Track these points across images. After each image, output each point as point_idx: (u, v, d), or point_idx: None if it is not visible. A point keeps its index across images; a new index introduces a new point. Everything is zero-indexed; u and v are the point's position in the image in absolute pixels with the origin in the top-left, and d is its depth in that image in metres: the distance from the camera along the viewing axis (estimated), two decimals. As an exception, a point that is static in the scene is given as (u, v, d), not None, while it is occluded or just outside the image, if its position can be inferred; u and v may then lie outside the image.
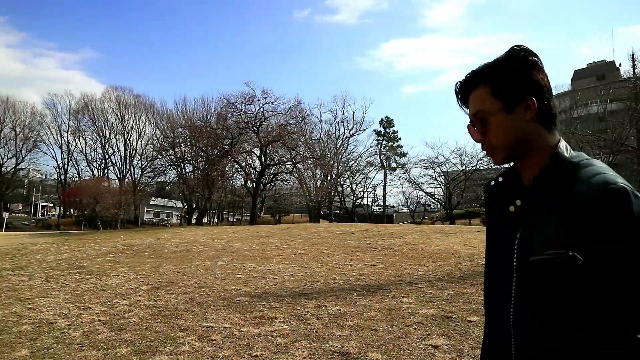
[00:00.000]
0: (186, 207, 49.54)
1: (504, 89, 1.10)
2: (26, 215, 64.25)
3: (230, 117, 43.35)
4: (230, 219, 67.15)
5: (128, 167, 57.75)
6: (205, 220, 50.50)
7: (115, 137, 58.04)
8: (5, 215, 45.60)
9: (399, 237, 15.05)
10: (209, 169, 42.78)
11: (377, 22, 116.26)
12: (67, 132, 58.97)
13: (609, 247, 0.91)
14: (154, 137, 53.52)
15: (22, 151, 57.18)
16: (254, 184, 45.36)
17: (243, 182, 49.36)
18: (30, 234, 31.71)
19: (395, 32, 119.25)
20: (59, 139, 59.20)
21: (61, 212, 60.05)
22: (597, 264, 0.92)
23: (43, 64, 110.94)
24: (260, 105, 42.89)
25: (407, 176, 50.15)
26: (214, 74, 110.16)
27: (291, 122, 43.53)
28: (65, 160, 60.07)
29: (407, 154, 55.33)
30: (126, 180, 56.93)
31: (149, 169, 55.18)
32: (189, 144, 44.69)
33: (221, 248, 13.76)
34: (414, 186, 50.54)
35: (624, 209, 0.93)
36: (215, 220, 61.00)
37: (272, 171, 45.69)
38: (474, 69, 1.16)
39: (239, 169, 47.12)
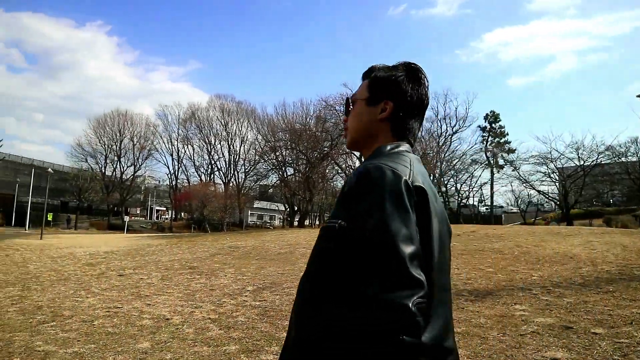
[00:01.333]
0: (288, 209, 51.21)
1: (375, 86, 1.27)
2: (143, 218, 70.54)
3: (329, 119, 44.11)
4: (331, 221, 67.98)
5: (232, 172, 61.13)
6: (306, 222, 51.84)
7: (220, 143, 61.74)
8: (126, 219, 50.56)
9: (509, 239, 14.28)
10: (309, 171, 43.88)
11: (478, 11, 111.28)
12: (177, 140, 63.78)
13: (348, 220, 1.00)
14: (256, 142, 56.14)
15: (139, 159, 62.93)
16: (354, 186, 45.58)
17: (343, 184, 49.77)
18: (147, 235, 34.76)
19: (499, 21, 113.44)
20: (170, 147, 64.25)
21: (173, 216, 65.21)
22: (341, 232, 1.00)
23: (154, 78, 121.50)
24: (358, 105, 43.13)
25: (517, 174, 47.30)
26: (312, 77, 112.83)
27: (390, 121, 43.23)
28: (176, 167, 65.09)
29: (515, 150, 52.27)
30: (231, 184, 60.26)
31: (252, 173, 57.97)
32: (289, 147, 46.18)
33: (322, 250, 13.96)
34: (524, 184, 47.56)
35: (364, 182, 1.02)
36: (317, 222, 62.34)
37: (371, 172, 45.52)
38: (382, 64, 1.31)
39: (339, 171, 47.73)
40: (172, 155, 64.46)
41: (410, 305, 0.88)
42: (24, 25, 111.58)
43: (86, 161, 60.18)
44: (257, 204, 65.17)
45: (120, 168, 62.16)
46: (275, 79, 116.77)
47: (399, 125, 1.24)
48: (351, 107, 1.33)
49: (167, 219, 70.14)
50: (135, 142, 62.05)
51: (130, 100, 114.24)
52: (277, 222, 66.71)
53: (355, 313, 0.91)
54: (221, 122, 61.10)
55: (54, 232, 42.59)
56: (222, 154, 61.85)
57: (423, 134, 52.50)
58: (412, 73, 1.27)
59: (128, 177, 62.91)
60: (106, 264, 13.15)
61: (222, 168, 62.20)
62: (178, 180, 65.42)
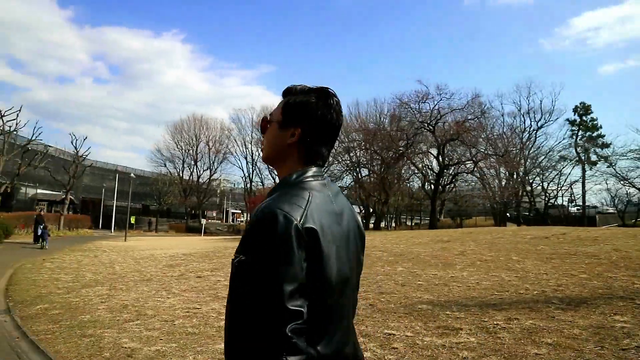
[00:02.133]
0: (363, 211, 51.09)
1: (287, 111, 1.36)
2: (219, 221, 73.28)
3: (404, 117, 43.55)
4: (409, 223, 67.29)
5: (306, 174, 62.12)
6: (382, 224, 51.50)
7: (293, 145, 63.00)
8: (203, 221, 52.96)
9: (605, 242, 13.35)
10: (384, 172, 43.55)
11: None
12: (251, 144, 65.75)
13: (246, 256, 1.17)
14: (329, 143, 56.58)
15: (215, 163, 65.59)
16: (432, 186, 44.73)
17: (420, 185, 49.06)
18: (223, 238, 36.13)
19: (588, 2, 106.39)
20: (244, 150, 66.29)
21: (248, 218, 67.30)
22: (240, 266, 1.18)
23: (228, 83, 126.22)
24: (435, 102, 42.22)
25: (613, 170, 44.10)
26: (385, 74, 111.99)
27: (469, 117, 41.95)
28: (250, 170, 67.06)
29: (611, 144, 48.72)
30: (305, 186, 61.18)
31: (325, 175, 58.48)
32: (363, 147, 46.11)
33: (400, 253, 13.84)
34: (622, 182, 44.19)
35: (258, 227, 1.17)
36: (393, 224, 61.73)
37: (451, 172, 44.55)
38: (301, 85, 1.41)
39: (416, 171, 46.99)
40: (246, 158, 66.52)
41: (287, 331, 1.08)
42: (107, 38, 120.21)
43: (165, 166, 63.64)
44: (331, 206, 65.65)
45: (197, 172, 65.21)
46: (347, 78, 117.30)
47: (307, 150, 1.35)
48: (268, 125, 1.42)
49: (242, 221, 72.53)
50: (210, 146, 64.80)
51: (205, 106, 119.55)
52: (351, 225, 66.71)
53: (248, 344, 1.13)
54: (294, 124, 62.38)
55: (137, 234, 45.38)
56: (296, 156, 63.08)
57: (505, 130, 50.57)
58: (322, 99, 1.36)
59: (204, 180, 65.74)
60: (185, 265, 13.80)
61: (297, 170, 63.36)
62: (252, 183, 67.35)
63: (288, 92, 1.41)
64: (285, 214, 1.16)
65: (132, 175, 44.26)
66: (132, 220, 44.86)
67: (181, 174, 64.52)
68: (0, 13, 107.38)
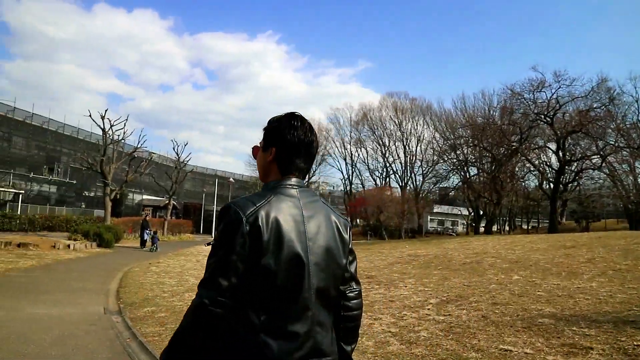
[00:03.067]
0: (472, 214, 49.45)
1: (265, 137, 1.86)
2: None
3: (517, 109, 41.45)
4: (524, 226, 63.93)
5: (409, 174, 61.15)
6: (494, 228, 49.39)
7: (394, 144, 62.29)
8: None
9: None
10: (495, 170, 41.75)
11: None
12: (350, 144, 66.17)
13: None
14: (434, 141, 55.40)
15: (314, 165, 66.90)
16: (552, 185, 42.13)
17: (538, 183, 46.43)
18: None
19: None
20: (343, 151, 66.87)
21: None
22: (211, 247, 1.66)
23: (324, 82, 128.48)
24: (553, 91, 39.76)
25: None
26: (493, 65, 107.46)
27: (595, 106, 38.97)
28: (350, 171, 67.47)
29: None
30: (408, 187, 60.35)
31: (430, 175, 57.25)
32: (471, 144, 44.58)
33: (516, 260, 13.18)
34: None
35: (220, 217, 1.66)
36: (506, 228, 58.98)
37: (573, 168, 41.72)
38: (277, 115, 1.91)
39: (532, 168, 44.54)
40: (345, 159, 67.09)
41: (204, 299, 1.55)
42: (205, 45, 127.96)
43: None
44: (437, 209, 64.20)
45: (297, 175, 66.95)
46: (451, 70, 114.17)
47: (283, 164, 1.81)
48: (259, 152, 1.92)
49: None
50: (309, 148, 66.27)
51: (302, 106, 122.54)
52: (460, 229, 64.84)
53: (192, 305, 1.60)
54: (395, 122, 61.65)
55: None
56: (397, 155, 62.30)
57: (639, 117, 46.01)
58: (287, 122, 1.83)
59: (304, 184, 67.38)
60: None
61: (398, 171, 62.67)
62: (352, 186, 67.76)
63: (268, 122, 1.89)
64: (236, 208, 1.63)
65: (231, 179, 46.39)
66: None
67: (281, 178, 66.68)
68: (108, 29, 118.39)
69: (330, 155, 67.48)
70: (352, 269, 1.88)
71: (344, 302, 1.83)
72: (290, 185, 1.77)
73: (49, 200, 45.07)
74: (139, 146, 36.55)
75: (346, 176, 67.94)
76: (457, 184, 52.85)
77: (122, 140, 35.13)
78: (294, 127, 1.81)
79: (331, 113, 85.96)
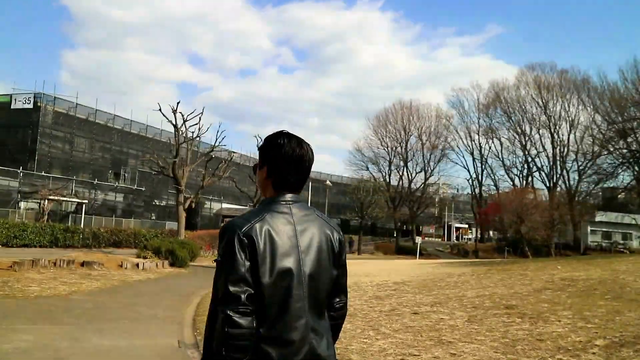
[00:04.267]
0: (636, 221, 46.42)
1: (259, 154, 2.46)
2: (439, 239, 73.65)
3: None
4: None
5: (559, 172, 58.48)
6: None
7: (538, 132, 59.92)
8: (418, 240, 53.37)
9: None
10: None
11: None
12: (478, 134, 64.62)
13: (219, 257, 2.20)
14: (593, 125, 52.61)
15: (430, 163, 65.92)
16: None
17: None
18: (445, 262, 36.05)
19: None
20: (469, 143, 65.49)
21: (478, 235, 65.98)
22: (217, 265, 2.21)
23: (442, 56, 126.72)
24: None
25: None
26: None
27: None
28: (479, 169, 65.77)
29: None
30: (558, 189, 57.81)
31: (589, 172, 54.41)
32: (647, 128, 41.90)
33: None
34: None
35: (221, 236, 2.22)
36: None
37: None
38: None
39: None
40: (472, 153, 65.64)
41: (228, 311, 2.04)
42: (292, 18, 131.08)
43: (367, 169, 66.43)
44: (600, 217, 60.70)
45: (408, 175, 66.62)
46: (616, 29, 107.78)
47: (276, 181, 2.36)
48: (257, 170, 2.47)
49: (470, 239, 71.67)
50: (424, 141, 65.58)
51: (415, 88, 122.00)
52: (635, 244, 60.84)
53: (211, 321, 2.20)
54: (538, 103, 59.37)
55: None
56: (542, 146, 59.90)
57: None
58: (274, 140, 2.40)
59: (418, 186, 66.69)
60: (397, 297, 14.07)
61: (544, 167, 60.28)
62: (482, 187, 66.03)
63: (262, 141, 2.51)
64: (234, 226, 2.20)
65: (327, 182, 46.99)
66: (330, 239, 47.63)
67: (388, 179, 66.50)
68: (179, 8, 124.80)
69: (453, 150, 66.36)
70: (343, 281, 2.49)
71: (329, 313, 2.41)
72: (284, 201, 2.34)
73: (114, 211, 48.26)
74: (216, 144, 37.94)
75: (474, 175, 66.34)
76: (628, 183, 49.85)
77: (197, 138, 36.76)
78: (281, 145, 2.38)
79: (452, 95, 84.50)
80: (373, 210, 60.86)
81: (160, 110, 33.78)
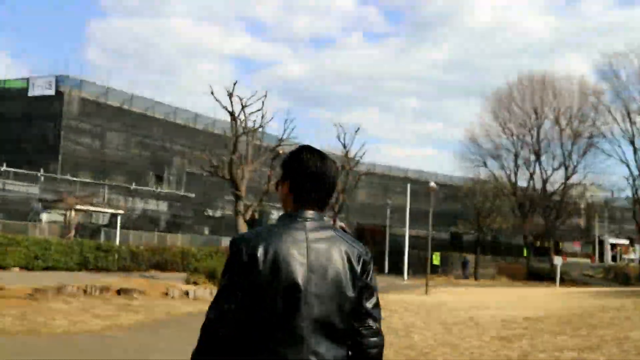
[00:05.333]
0: None
1: (281, 169, 2.95)
2: (588, 259, 71.29)
3: None
4: None
5: None
6: None
7: None
8: (557, 260, 51.34)
9: None
10: None
11: None
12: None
13: None
14: None
15: (573, 155, 63.85)
16: None
17: None
18: (597, 290, 35.04)
19: None
20: (628, 127, 62.71)
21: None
22: None
23: (586, 9, 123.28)
24: None
25: None
26: None
27: None
28: (642, 164, 63.05)
29: None
30: None
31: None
32: None
33: None
34: None
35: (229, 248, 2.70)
36: None
37: None
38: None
39: None
40: (632, 142, 62.96)
41: (210, 316, 2.59)
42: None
43: (484, 165, 65.09)
44: None
45: (542, 173, 64.83)
46: None
47: (297, 196, 2.82)
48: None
49: (632, 260, 69.28)
50: (563, 126, 63.69)
51: (549, 55, 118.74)
52: None
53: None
54: None
55: (444, 282, 47.32)
56: None
57: None
58: (296, 155, 2.88)
59: (556, 188, 64.78)
60: (529, 338, 13.80)
61: None
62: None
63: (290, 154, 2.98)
64: (238, 241, 2.68)
65: (431, 184, 46.12)
66: (436, 259, 47.05)
67: (514, 178, 65.05)
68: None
69: (604, 137, 63.84)
70: (369, 304, 2.77)
71: (358, 339, 2.71)
72: (302, 217, 2.77)
73: (157, 224, 49.25)
74: (284, 137, 38.31)
75: (635, 172, 63.53)
76: None
77: (260, 129, 37.03)
78: (303, 160, 2.84)
79: (602, 62, 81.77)
80: (494, 220, 59.16)
81: (212, 94, 34.00)
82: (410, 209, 49.71)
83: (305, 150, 2.92)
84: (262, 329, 2.56)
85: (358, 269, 2.72)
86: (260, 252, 2.60)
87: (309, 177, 2.83)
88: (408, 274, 48.83)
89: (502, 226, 60.85)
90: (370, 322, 2.76)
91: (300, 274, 2.60)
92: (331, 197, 2.96)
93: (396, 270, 51.54)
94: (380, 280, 27.47)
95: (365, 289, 2.76)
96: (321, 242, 2.71)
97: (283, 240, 2.65)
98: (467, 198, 60.35)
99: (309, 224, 2.75)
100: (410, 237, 51.68)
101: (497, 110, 64.92)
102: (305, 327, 2.56)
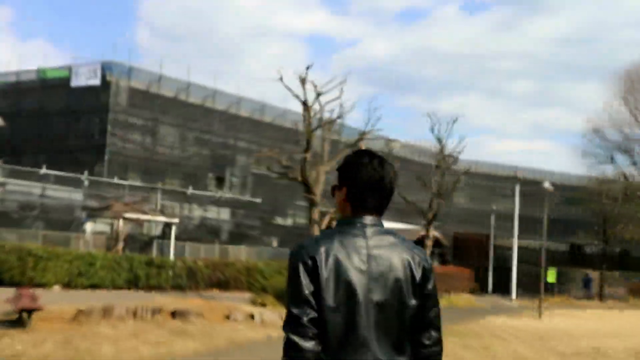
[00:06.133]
0: None
1: (338, 174, 3.36)
2: None
3: None
4: None
5: None
6: None
7: None
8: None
9: None
10: None
11: None
12: None
13: None
14: None
15: None
16: None
17: None
18: None
19: None
20: None
21: None
22: None
23: None
24: None
25: None
26: None
27: None
28: None
29: None
30: None
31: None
32: None
33: None
34: None
35: (289, 258, 3.10)
36: None
37: None
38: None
39: None
40: None
41: (290, 334, 2.86)
42: None
43: (612, 162, 63.75)
44: None
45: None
46: None
47: (354, 203, 3.18)
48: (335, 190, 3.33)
49: None
50: None
51: None
52: None
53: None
54: None
55: (561, 303, 46.41)
56: None
57: None
58: (354, 160, 3.27)
59: None
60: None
61: None
62: None
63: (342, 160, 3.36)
64: (299, 248, 3.01)
65: (546, 185, 45.50)
66: (551, 276, 46.34)
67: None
68: None
69: None
70: (431, 314, 3.14)
71: (417, 350, 3.09)
72: (361, 223, 3.12)
73: (217, 235, 49.69)
74: (367, 130, 38.02)
75: None
76: None
77: (339, 121, 37.05)
78: (362, 165, 3.19)
79: None
80: (624, 229, 57.81)
81: (281, 80, 33.69)
82: (519, 215, 49.10)
83: (363, 155, 3.29)
84: (327, 338, 2.87)
85: (418, 276, 3.07)
86: (321, 258, 2.93)
87: (367, 184, 3.17)
88: (517, 293, 48.11)
89: (635, 236, 59.27)
90: (433, 332, 3.14)
91: (362, 281, 2.95)
92: (389, 202, 3.32)
93: (502, 288, 51.02)
94: (483, 301, 27.80)
95: (427, 298, 3.12)
96: (381, 249, 3.06)
97: (343, 247, 3.00)
98: (590, 202, 59.36)
99: (368, 230, 3.10)
100: (520, 248, 50.89)
101: (629, 94, 62.95)
102: (368, 336, 2.92)
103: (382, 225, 3.23)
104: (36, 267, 31.33)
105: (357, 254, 3.00)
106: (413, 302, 3.05)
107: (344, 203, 3.25)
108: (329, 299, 2.90)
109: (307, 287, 2.90)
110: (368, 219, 3.16)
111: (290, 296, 2.96)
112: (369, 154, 3.31)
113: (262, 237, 52.54)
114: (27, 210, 42.91)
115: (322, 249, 2.97)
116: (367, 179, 3.17)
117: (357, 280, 2.96)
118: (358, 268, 2.98)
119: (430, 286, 3.14)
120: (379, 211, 3.26)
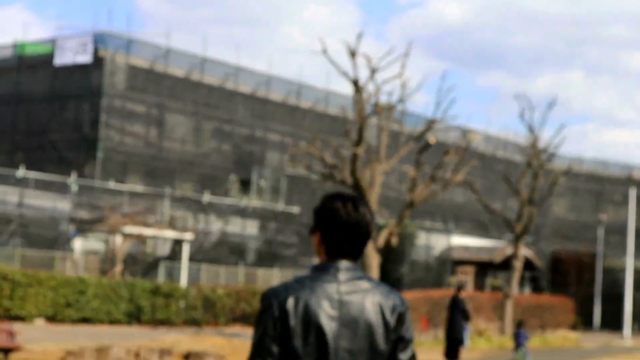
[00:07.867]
0: None
1: (314, 217, 3.96)
2: None
3: None
4: None
5: None
6: None
7: None
8: None
9: None
10: None
11: None
12: None
13: None
14: None
15: None
16: None
17: None
18: None
19: None
20: None
21: None
22: None
23: None
24: None
25: None
26: None
27: None
28: None
29: None
30: None
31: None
32: None
33: None
34: None
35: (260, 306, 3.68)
36: None
37: None
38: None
39: None
40: None
41: None
42: None
43: None
44: None
45: None
46: None
47: (329, 247, 3.71)
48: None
49: None
50: None
51: None
52: None
53: None
54: None
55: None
56: None
57: None
58: (327, 204, 3.78)
59: None
60: None
61: None
62: None
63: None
64: (269, 294, 3.55)
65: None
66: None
67: None
68: None
69: None
70: (403, 356, 3.63)
71: None
72: (334, 268, 3.62)
73: (242, 254, 49.80)
74: (437, 117, 38.34)
75: None
76: None
77: (400, 105, 37.03)
78: (335, 210, 3.67)
79: None
80: None
81: (324, 53, 33.87)
82: (636, 227, 48.67)
83: (337, 199, 3.80)
84: None
85: (392, 321, 3.59)
86: (290, 305, 3.43)
87: (341, 228, 3.68)
88: (632, 329, 47.72)
89: None
90: None
91: (331, 327, 3.44)
92: (366, 245, 3.86)
93: (612, 323, 50.90)
94: (588, 339, 28.15)
95: (399, 342, 3.64)
96: (353, 295, 3.57)
97: (314, 294, 3.49)
98: None
99: (341, 276, 3.61)
100: (637, 272, 50.43)
101: None
102: None
103: (357, 270, 3.73)
104: (13, 296, 31.81)
105: (328, 300, 3.49)
106: (386, 347, 3.56)
107: (319, 246, 3.76)
108: (299, 346, 3.39)
109: (272, 336, 3.40)
110: (342, 264, 3.65)
111: (255, 343, 3.47)
112: (342, 197, 3.81)
113: (300, 258, 52.79)
114: (1, 223, 42.53)
115: (292, 296, 3.47)
116: (341, 224, 3.66)
117: (328, 326, 3.43)
118: (328, 314, 3.46)
119: (402, 330, 3.64)
120: (354, 256, 3.76)
